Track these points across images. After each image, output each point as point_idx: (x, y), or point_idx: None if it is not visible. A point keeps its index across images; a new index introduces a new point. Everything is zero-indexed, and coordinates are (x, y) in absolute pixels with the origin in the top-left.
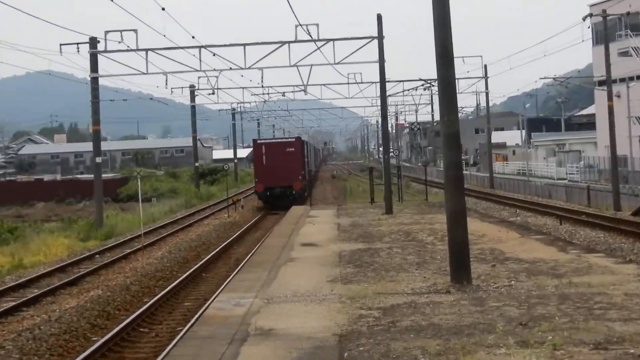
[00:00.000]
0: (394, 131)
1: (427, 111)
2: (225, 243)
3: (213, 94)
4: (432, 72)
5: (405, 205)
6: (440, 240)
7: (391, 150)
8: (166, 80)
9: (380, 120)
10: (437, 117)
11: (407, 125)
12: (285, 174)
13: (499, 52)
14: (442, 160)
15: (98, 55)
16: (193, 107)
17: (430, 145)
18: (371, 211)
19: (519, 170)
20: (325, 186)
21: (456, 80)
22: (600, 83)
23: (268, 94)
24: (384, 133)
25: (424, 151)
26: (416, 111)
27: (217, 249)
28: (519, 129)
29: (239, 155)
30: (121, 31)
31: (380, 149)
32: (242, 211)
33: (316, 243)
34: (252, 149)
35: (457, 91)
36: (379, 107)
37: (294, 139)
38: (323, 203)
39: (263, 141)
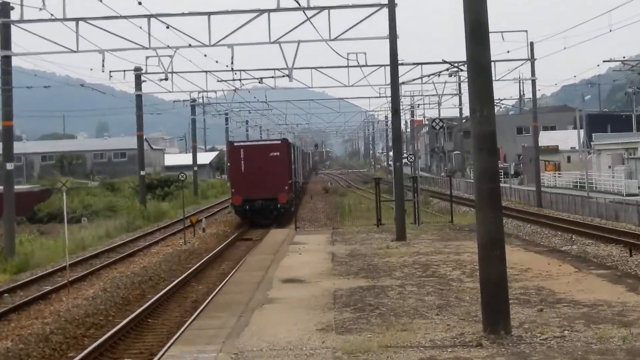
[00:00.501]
0: (408, 130)
1: (453, 104)
2: (180, 278)
3: (166, 79)
4: (459, 53)
5: (423, 229)
6: (470, 275)
7: (405, 155)
8: (103, 61)
9: (390, 115)
10: (466, 112)
11: (427, 122)
12: (269, 183)
13: (549, 27)
14: (473, 170)
15: (11, 25)
16: (139, 97)
17: (457, 150)
18: (377, 237)
19: (576, 182)
20: (316, 203)
21: (492, 64)
22: None
23: (240, 80)
24: (395, 132)
25: (448, 157)
26: (439, 104)
27: (169, 286)
28: (575, 128)
29: (200, 161)
30: None
31: (390, 153)
32: (203, 236)
33: (303, 278)
34: (218, 152)
35: (494, 78)
36: (389, 99)
37: (279, 141)
38: (312, 225)
39: (241, 143)
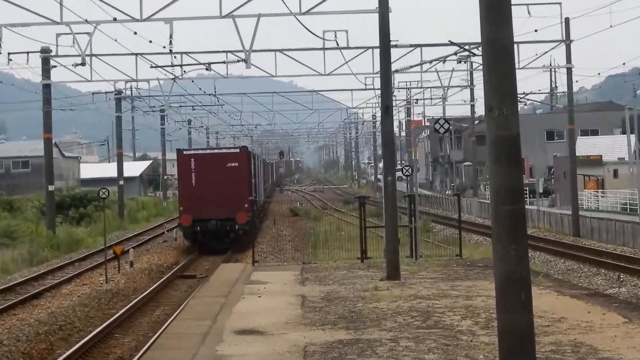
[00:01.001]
0: (404, 134)
1: (463, 99)
2: (101, 328)
3: (83, 64)
4: (472, 32)
5: (422, 265)
6: (485, 327)
7: (399, 167)
8: None
9: (380, 114)
10: (480, 111)
11: (428, 123)
12: (225, 200)
13: None
14: (489, 187)
15: None
16: (47, 87)
17: (468, 160)
18: (362, 274)
19: (625, 204)
20: (281, 229)
21: (515, 46)
22: None
23: (181, 66)
24: (386, 137)
25: (456, 169)
26: (443, 100)
27: (86, 339)
28: (624, 132)
29: (127, 173)
30: None
31: (380, 164)
32: (131, 271)
33: (263, 330)
34: (151, 162)
35: (516, 65)
36: (378, 92)
37: (237, 149)
38: (276, 259)
39: (192, 152)
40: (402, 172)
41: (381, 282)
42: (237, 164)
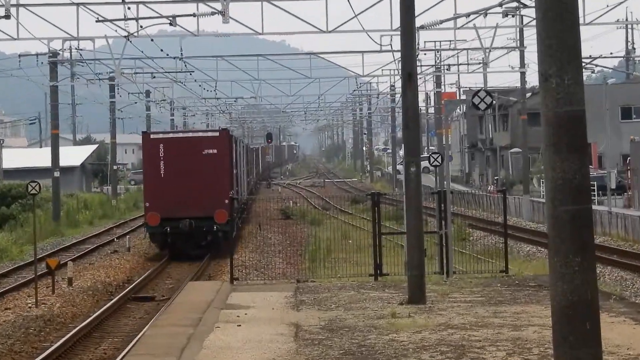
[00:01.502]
0: (432, 111)
1: (510, 65)
2: None
3: (7, 17)
4: None
5: (456, 284)
6: None
7: (425, 154)
8: None
9: (400, 84)
10: (533, 81)
11: (464, 96)
12: (202, 194)
13: None
14: (545, 180)
15: None
16: None
17: (517, 146)
18: (375, 296)
19: None
20: (269, 235)
21: None
22: None
23: (137, 20)
24: (408, 114)
25: (501, 158)
26: (484, 65)
27: None
28: None
29: (65, 162)
30: None
31: (400, 151)
32: (69, 292)
33: None
34: (97, 146)
35: (581, 21)
36: (398, 56)
37: (217, 133)
38: (262, 275)
39: (161, 135)
40: (430, 162)
41: (401, 306)
42: (216, 151)
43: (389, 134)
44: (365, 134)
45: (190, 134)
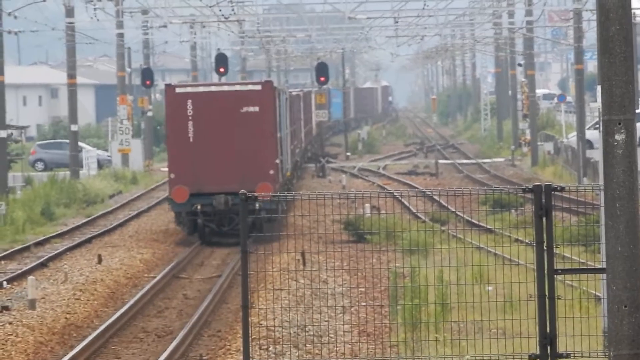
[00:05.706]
0: None
1: None
2: None
3: None
4: None
5: None
6: None
7: None
8: None
9: None
10: None
11: None
12: (240, 164)
13: None
14: None
15: None
16: None
17: None
18: None
19: None
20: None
21: None
22: None
23: None
24: (609, 27)
25: None
26: None
27: None
28: None
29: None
30: None
31: (594, 102)
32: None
33: None
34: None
35: None
36: None
37: (259, 87)
38: (307, 357)
39: (189, 89)
40: None
41: None
42: (258, 109)
43: (568, 66)
44: (521, 64)
45: (225, 87)
